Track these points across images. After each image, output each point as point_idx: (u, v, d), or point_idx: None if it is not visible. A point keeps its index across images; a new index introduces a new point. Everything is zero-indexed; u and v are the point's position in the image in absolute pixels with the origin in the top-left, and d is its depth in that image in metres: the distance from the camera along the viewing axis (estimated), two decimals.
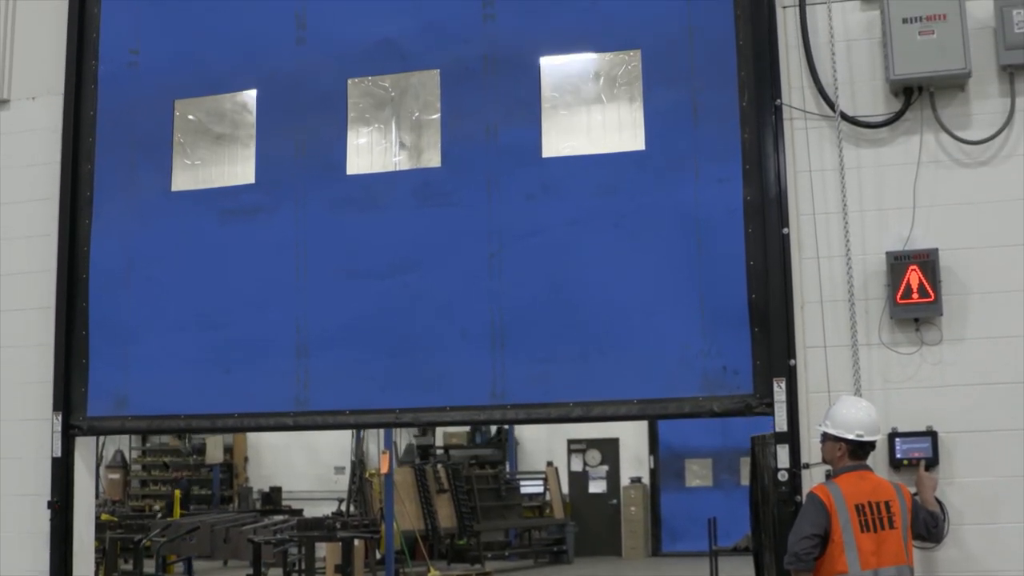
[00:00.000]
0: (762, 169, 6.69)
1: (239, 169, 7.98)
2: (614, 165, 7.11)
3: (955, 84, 6.60)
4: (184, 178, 7.98)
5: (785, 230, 6.59)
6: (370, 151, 7.64)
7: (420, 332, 7.30)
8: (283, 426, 7.60)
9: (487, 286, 7.20)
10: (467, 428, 21.37)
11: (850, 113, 6.70)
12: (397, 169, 7.60)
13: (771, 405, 6.57)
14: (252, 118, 7.89)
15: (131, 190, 7.97)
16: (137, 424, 7.98)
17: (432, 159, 7.51)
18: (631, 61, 7.21)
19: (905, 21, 6.58)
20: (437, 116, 7.51)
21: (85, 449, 8.04)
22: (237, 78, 7.92)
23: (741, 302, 6.74)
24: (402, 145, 7.62)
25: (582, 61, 7.34)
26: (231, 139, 8.01)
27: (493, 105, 7.33)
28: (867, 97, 6.73)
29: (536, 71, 7.30)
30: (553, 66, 7.34)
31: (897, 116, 6.63)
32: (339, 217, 7.52)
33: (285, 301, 7.55)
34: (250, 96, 7.90)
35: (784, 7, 6.88)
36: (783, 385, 6.49)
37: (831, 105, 6.70)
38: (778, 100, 6.74)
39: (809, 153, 6.71)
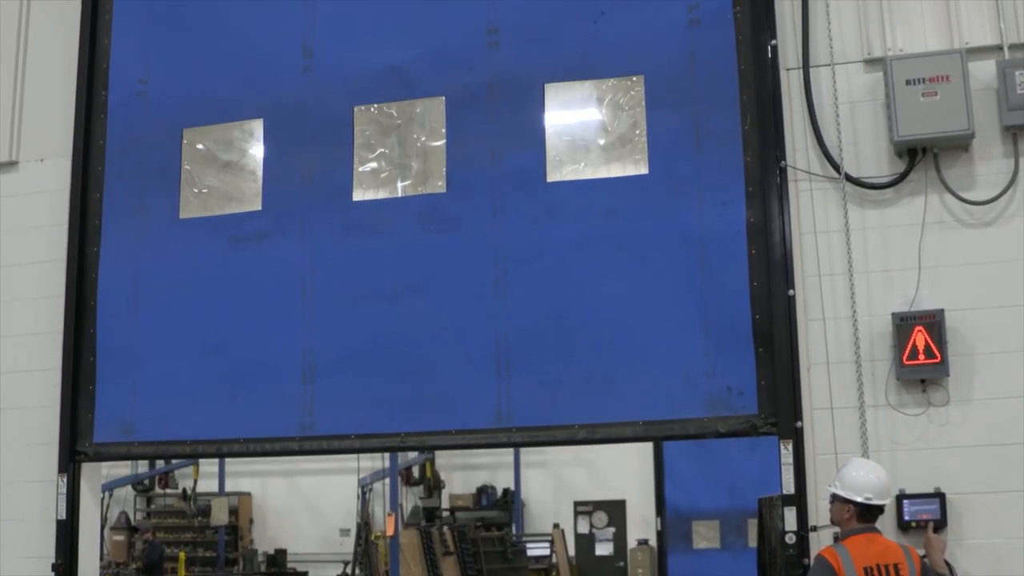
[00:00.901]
0: (767, 231, 6.72)
1: (246, 196, 8.03)
2: (618, 189, 7.21)
3: (959, 145, 6.65)
4: (192, 206, 8.08)
5: (791, 292, 6.62)
6: (376, 177, 7.71)
7: (425, 356, 7.36)
8: (289, 451, 7.66)
9: (492, 309, 7.27)
10: (473, 490, 21.28)
11: (855, 174, 6.74)
12: (403, 195, 7.64)
13: (776, 425, 6.61)
14: (259, 146, 8.00)
15: (139, 217, 8.09)
16: (143, 450, 8.01)
17: (437, 184, 7.60)
18: (634, 87, 7.32)
19: (908, 83, 6.65)
20: (442, 142, 7.62)
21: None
22: (245, 107, 8.04)
23: (745, 323, 6.79)
24: (408, 171, 7.66)
25: (585, 87, 7.43)
26: (238, 167, 8.08)
27: (498, 131, 7.45)
28: (871, 158, 6.79)
29: (540, 97, 7.44)
30: (557, 92, 7.45)
31: (901, 177, 6.68)
32: (345, 243, 7.62)
33: (291, 326, 7.63)
34: (257, 124, 8.02)
35: (788, 69, 6.96)
36: (790, 447, 6.50)
37: (836, 167, 6.75)
38: (783, 162, 6.79)
39: (814, 214, 6.75)
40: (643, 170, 7.17)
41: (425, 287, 7.40)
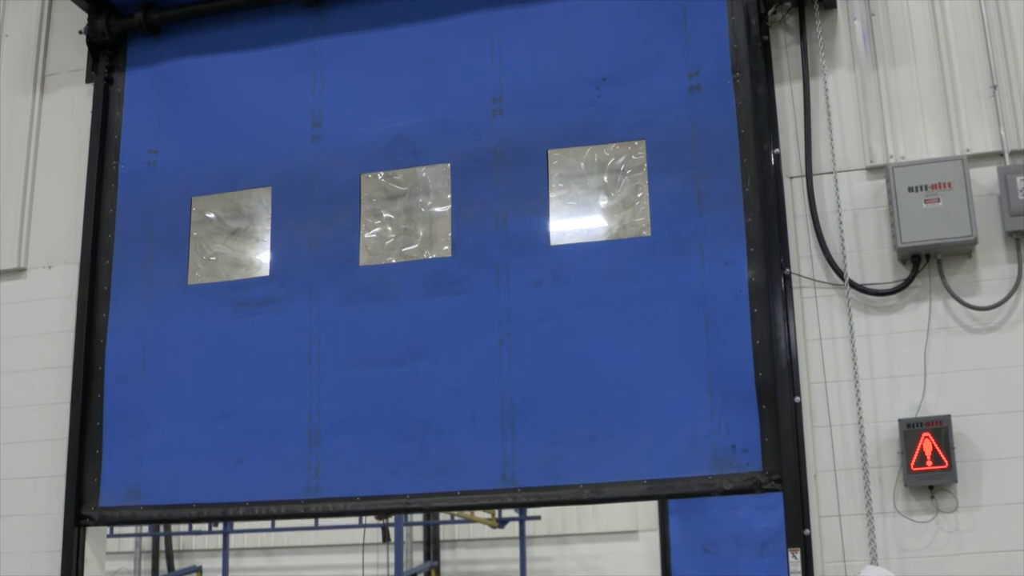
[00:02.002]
0: (774, 338, 6.77)
1: (254, 263, 8.20)
2: (621, 251, 7.32)
3: (962, 251, 6.75)
4: (200, 272, 8.22)
5: (797, 399, 6.67)
6: (382, 243, 7.87)
7: (431, 418, 7.42)
8: (295, 514, 7.68)
9: (497, 371, 7.35)
10: None
11: (859, 281, 6.82)
12: (409, 260, 7.78)
13: (780, 481, 6.65)
14: (268, 213, 8.15)
15: (148, 284, 8.22)
16: (148, 514, 8.00)
17: (443, 249, 7.72)
18: (636, 151, 7.48)
19: (911, 190, 6.76)
20: (448, 208, 7.76)
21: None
22: (253, 175, 8.20)
23: (748, 381, 6.85)
24: (414, 236, 7.82)
25: (588, 152, 7.60)
26: (247, 233, 8.27)
27: (502, 196, 7.59)
28: (875, 265, 6.88)
29: (544, 162, 7.58)
30: (560, 157, 7.63)
31: (906, 284, 6.77)
32: (352, 307, 7.74)
33: (298, 389, 7.71)
34: (266, 192, 8.19)
35: (791, 178, 7.08)
36: (798, 555, 6.51)
37: (840, 274, 6.84)
38: (787, 269, 6.88)
39: (819, 321, 6.83)
40: (645, 232, 7.32)
41: (431, 350, 7.51)
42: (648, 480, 6.94)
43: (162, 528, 15.44)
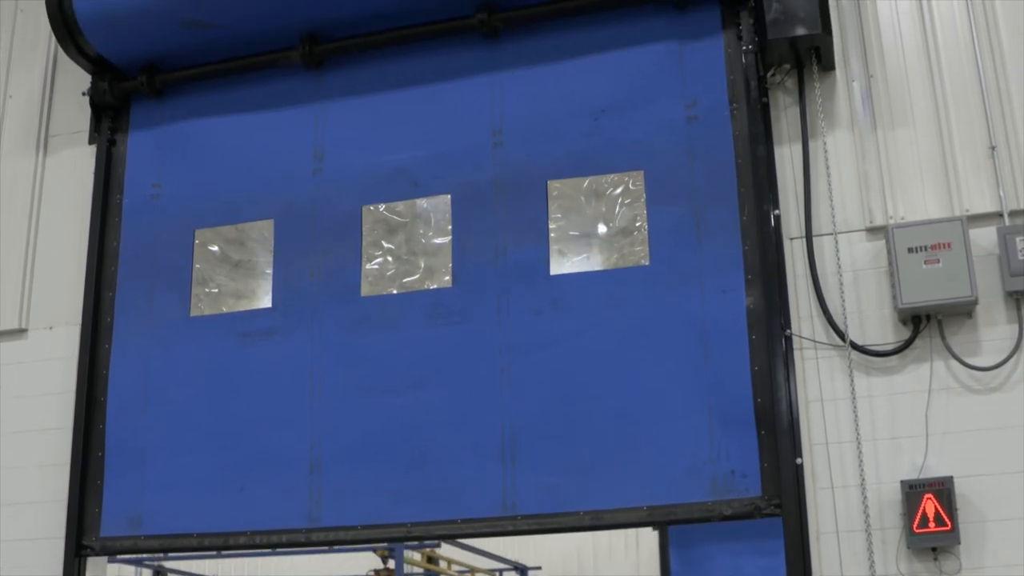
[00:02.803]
0: (775, 399, 6.81)
1: (256, 294, 8.31)
2: (620, 280, 7.43)
3: (962, 311, 6.81)
4: (202, 304, 8.33)
5: (799, 460, 6.70)
6: (383, 274, 7.99)
7: (432, 447, 7.49)
8: (296, 543, 7.75)
9: (497, 400, 7.43)
10: None
11: (859, 342, 6.88)
12: (409, 290, 7.89)
13: (779, 506, 6.70)
14: (270, 245, 8.27)
15: (150, 316, 8.33)
16: (149, 543, 8.03)
17: (444, 280, 7.83)
18: (634, 180, 7.60)
19: (911, 251, 6.82)
20: (448, 239, 7.88)
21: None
22: (256, 207, 8.34)
23: (747, 407, 6.93)
24: (415, 267, 7.95)
25: (588, 182, 7.73)
26: (249, 265, 8.38)
27: (502, 226, 7.72)
28: (876, 326, 6.94)
29: (543, 193, 7.72)
30: (559, 188, 7.76)
31: (906, 344, 6.82)
32: (353, 337, 7.84)
33: (299, 419, 7.79)
34: (268, 224, 8.31)
35: (791, 239, 7.15)
36: None
37: (840, 335, 6.90)
38: (788, 331, 6.94)
39: (820, 383, 6.87)
40: (644, 261, 7.43)
41: (431, 379, 7.60)
42: (648, 506, 7.01)
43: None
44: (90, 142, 8.81)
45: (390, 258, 8.01)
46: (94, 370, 8.30)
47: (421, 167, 8.01)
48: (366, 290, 7.93)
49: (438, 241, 7.93)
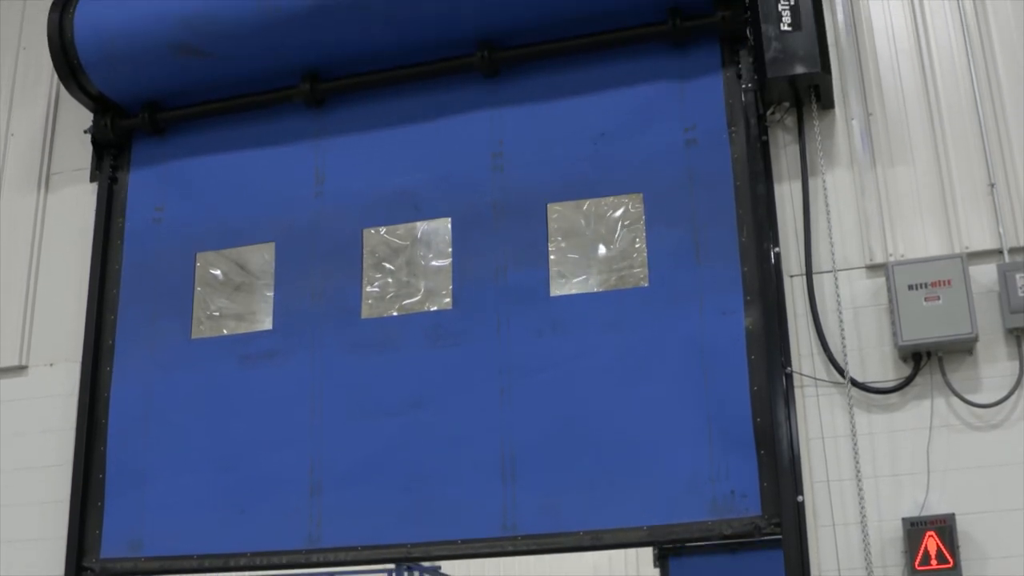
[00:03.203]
0: (777, 437, 6.83)
1: (258, 316, 8.35)
2: (620, 302, 7.50)
3: (963, 348, 6.83)
4: (204, 326, 8.39)
5: (800, 498, 6.72)
6: (384, 296, 8.05)
7: (432, 467, 7.53)
8: (296, 564, 7.73)
9: (498, 421, 7.48)
10: None
11: (860, 379, 6.90)
12: (410, 312, 7.95)
13: (779, 525, 6.73)
14: (271, 268, 8.33)
15: (152, 339, 8.39)
16: (149, 565, 8.04)
17: (444, 301, 7.89)
18: (634, 202, 7.68)
19: (911, 288, 6.85)
20: (448, 261, 7.95)
21: None
22: (257, 231, 8.42)
23: (747, 427, 6.98)
24: (415, 289, 8.02)
25: (587, 204, 7.82)
26: (250, 288, 8.43)
27: (502, 249, 7.81)
28: (876, 363, 6.97)
29: (543, 215, 7.81)
30: (559, 210, 7.84)
31: (907, 382, 6.84)
32: (354, 359, 7.90)
33: (299, 441, 7.84)
34: (269, 247, 8.39)
35: (791, 276, 7.18)
36: None
37: (841, 372, 6.92)
38: (789, 368, 6.96)
39: (821, 420, 6.90)
40: (644, 283, 7.50)
41: (432, 400, 7.66)
42: (648, 526, 7.06)
43: None
44: (92, 179, 8.87)
45: (390, 280, 8.09)
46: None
47: (422, 190, 8.10)
48: (366, 312, 8.01)
49: (438, 263, 8.01)
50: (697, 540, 7.04)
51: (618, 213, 7.71)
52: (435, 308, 7.88)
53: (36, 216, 8.98)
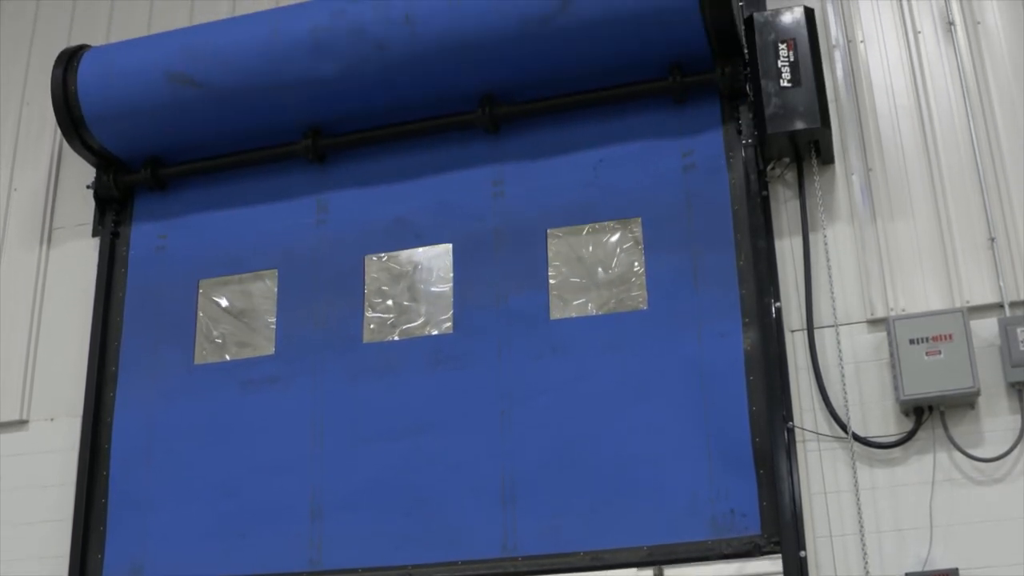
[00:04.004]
0: (778, 491, 6.85)
1: (260, 342, 8.44)
2: (619, 325, 7.60)
3: (965, 403, 6.87)
4: (206, 352, 8.48)
5: (803, 553, 6.72)
6: (385, 321, 8.16)
7: (433, 491, 7.60)
8: None
9: (498, 444, 7.56)
10: None
11: (862, 434, 6.94)
12: (411, 337, 8.06)
13: (778, 543, 6.79)
14: (274, 294, 8.43)
15: (154, 365, 8.48)
16: None
17: (444, 326, 7.99)
18: (632, 227, 7.81)
19: (912, 342, 6.89)
20: (449, 287, 8.05)
21: None
22: (259, 258, 8.54)
23: (745, 447, 7.06)
24: (416, 315, 8.13)
25: (587, 229, 7.96)
26: (253, 314, 8.54)
27: (503, 274, 7.92)
28: (878, 417, 7.00)
29: (543, 241, 7.93)
30: (559, 235, 7.97)
31: (909, 436, 6.87)
32: (355, 384, 7.99)
33: (300, 467, 7.91)
34: (272, 274, 8.51)
35: (792, 331, 7.22)
36: None
37: (843, 427, 6.96)
38: (790, 423, 6.99)
39: (823, 475, 6.92)
40: (643, 306, 7.60)
41: (432, 424, 7.74)
42: (648, 546, 7.11)
43: None
44: (94, 234, 8.96)
45: (390, 302, 8.21)
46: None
47: (423, 217, 8.23)
48: (368, 337, 8.11)
49: (438, 289, 8.12)
50: (697, 560, 7.13)
51: (617, 237, 7.86)
52: (436, 332, 7.99)
53: (38, 270, 9.04)
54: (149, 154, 8.77)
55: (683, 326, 7.44)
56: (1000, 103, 7.42)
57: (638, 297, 7.65)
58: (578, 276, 7.87)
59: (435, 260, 8.19)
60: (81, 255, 8.96)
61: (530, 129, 8.18)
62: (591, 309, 7.76)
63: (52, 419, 8.65)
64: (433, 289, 8.13)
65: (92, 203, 8.98)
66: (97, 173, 8.87)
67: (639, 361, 7.46)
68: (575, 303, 7.80)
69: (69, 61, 8.61)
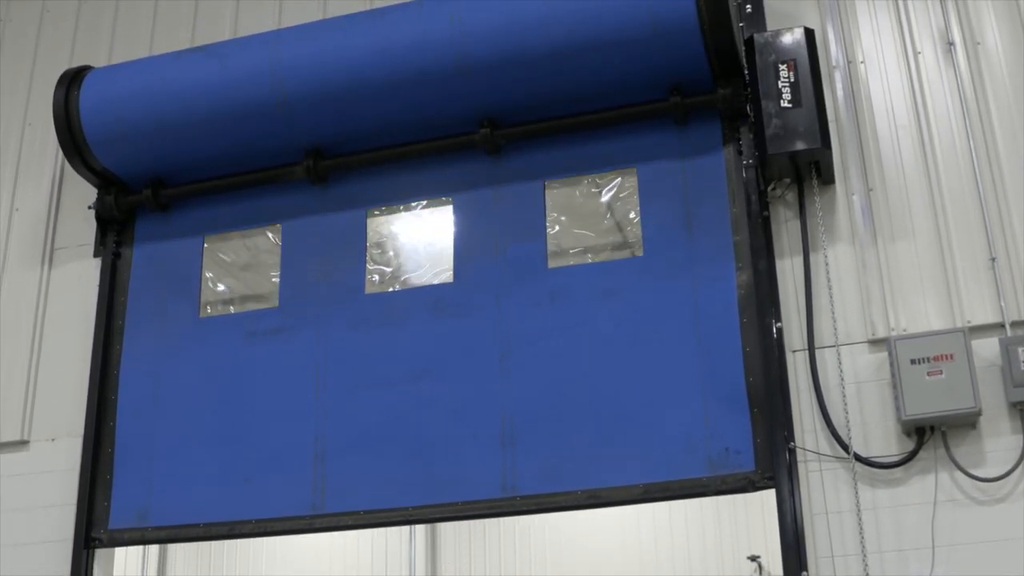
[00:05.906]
0: (780, 512, 6.90)
1: (264, 295, 8.68)
2: (615, 272, 7.82)
3: (966, 423, 6.94)
4: (212, 306, 8.71)
5: (804, 574, 6.78)
6: (386, 273, 8.43)
7: (434, 436, 7.80)
8: (299, 529, 7.97)
9: (497, 389, 7.77)
10: None
11: (864, 454, 7.00)
12: (412, 287, 8.28)
13: (772, 479, 6.99)
14: (278, 249, 8.66)
15: (161, 319, 8.71)
16: (156, 534, 8.29)
17: (445, 276, 8.21)
18: (628, 177, 8.04)
19: (913, 362, 6.95)
20: (450, 240, 8.27)
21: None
22: (264, 215, 8.77)
23: (739, 387, 7.28)
24: (417, 266, 8.40)
25: (584, 180, 8.21)
26: (257, 269, 8.78)
27: (501, 226, 8.16)
28: (879, 437, 7.07)
29: (541, 193, 8.15)
30: (556, 187, 8.19)
31: (911, 456, 6.93)
32: (357, 333, 8.21)
33: (304, 413, 8.13)
34: (275, 230, 8.74)
35: (793, 351, 7.28)
36: None
37: (844, 447, 7.02)
38: (792, 443, 7.04)
39: (825, 495, 6.98)
40: (639, 253, 7.82)
41: (433, 370, 7.95)
42: (644, 484, 7.30)
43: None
44: (95, 255, 9.06)
45: (393, 257, 8.47)
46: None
47: (423, 174, 8.44)
48: (370, 289, 8.32)
49: (440, 241, 8.32)
50: (692, 495, 7.29)
51: (613, 186, 8.10)
52: (436, 282, 8.20)
53: (40, 290, 9.14)
54: (151, 175, 8.86)
55: (678, 273, 7.65)
56: (1000, 123, 7.50)
57: (634, 244, 7.91)
58: (576, 225, 8.11)
59: (436, 214, 8.44)
60: (82, 276, 9.06)
61: (531, 152, 8.28)
62: (588, 257, 8.03)
63: (53, 439, 8.72)
64: (433, 242, 8.36)
65: (94, 223, 9.09)
66: (99, 194, 8.97)
67: (635, 307, 7.68)
68: (572, 251, 8.06)
69: (71, 82, 8.72)
